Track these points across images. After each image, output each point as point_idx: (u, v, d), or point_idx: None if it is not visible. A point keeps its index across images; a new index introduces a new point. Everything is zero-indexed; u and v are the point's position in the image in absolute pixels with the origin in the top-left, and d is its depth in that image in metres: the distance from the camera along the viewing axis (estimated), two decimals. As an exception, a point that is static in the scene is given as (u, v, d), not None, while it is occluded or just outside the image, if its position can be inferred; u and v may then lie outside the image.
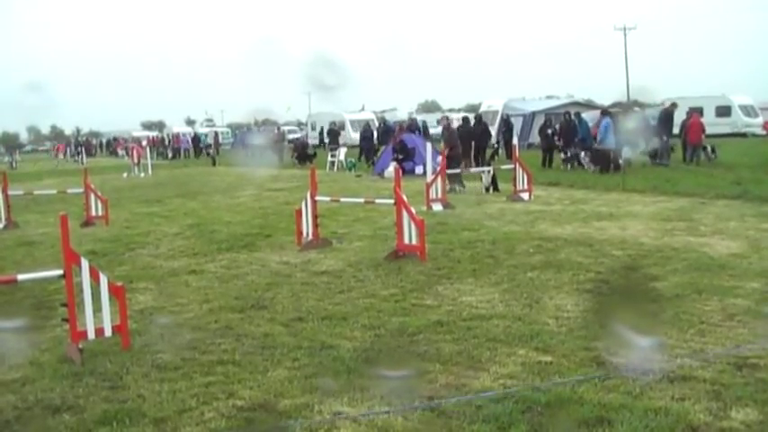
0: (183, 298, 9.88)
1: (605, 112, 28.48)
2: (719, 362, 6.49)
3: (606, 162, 25.55)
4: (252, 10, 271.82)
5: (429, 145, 23.57)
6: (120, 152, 68.29)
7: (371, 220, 15.88)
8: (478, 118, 31.97)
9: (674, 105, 29.49)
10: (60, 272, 7.53)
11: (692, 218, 14.67)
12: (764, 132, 50.16)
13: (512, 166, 20.14)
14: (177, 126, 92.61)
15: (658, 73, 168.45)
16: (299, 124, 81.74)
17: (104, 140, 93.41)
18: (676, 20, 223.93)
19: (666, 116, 28.61)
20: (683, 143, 28.78)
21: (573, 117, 30.11)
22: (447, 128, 23.09)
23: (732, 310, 8.07)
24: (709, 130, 32.12)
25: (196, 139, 66.11)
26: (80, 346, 7.40)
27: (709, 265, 10.28)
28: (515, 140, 24.48)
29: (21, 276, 8.14)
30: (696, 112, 31.13)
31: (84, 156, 64.04)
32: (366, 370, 6.75)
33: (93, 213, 18.39)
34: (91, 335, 7.49)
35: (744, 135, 47.84)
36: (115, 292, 7.64)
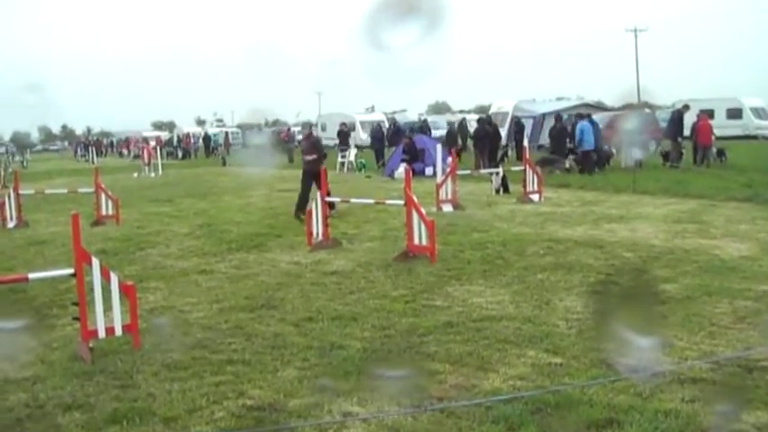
0: (193, 298, 9.90)
1: (581, 115, 29.40)
2: (730, 364, 6.49)
3: (588, 163, 26.58)
4: (261, 12, 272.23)
5: (439, 146, 23.55)
6: (130, 151, 68.52)
7: (381, 221, 15.89)
8: (488, 120, 32.03)
9: (685, 107, 29.43)
10: (71, 271, 7.56)
11: (702, 220, 14.64)
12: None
13: (522, 167, 20.12)
14: (188, 126, 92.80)
15: (669, 75, 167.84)
16: (309, 125, 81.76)
17: (115, 140, 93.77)
18: (687, 22, 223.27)
19: (677, 118, 28.56)
20: (694, 145, 28.70)
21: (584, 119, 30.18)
22: (308, 137, 19.23)
23: (742, 312, 8.06)
24: (720, 133, 32.01)
25: (207, 138, 66.45)
26: (90, 344, 7.44)
27: (720, 268, 10.26)
28: (525, 142, 24.39)
29: (32, 275, 8.18)
30: (706, 114, 31.04)
31: (94, 155, 64.22)
32: (376, 370, 6.76)
33: (104, 213, 18.43)
34: (101, 334, 7.52)
35: (755, 137, 47.64)
36: (126, 292, 7.67)
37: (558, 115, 31.21)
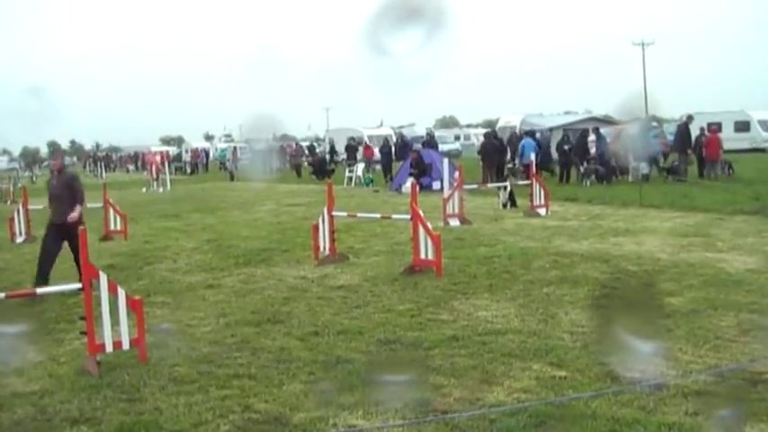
0: (200, 312, 9.94)
1: (528, 132, 32.68)
2: (734, 377, 6.50)
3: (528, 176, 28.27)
4: (270, 28, 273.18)
5: (446, 161, 23.60)
6: (137, 166, 69.19)
7: (388, 236, 15.92)
8: (494, 134, 32.15)
9: (689, 118, 29.43)
10: (79, 286, 7.62)
11: (709, 233, 14.63)
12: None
13: (529, 181, 20.15)
14: (196, 141, 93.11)
15: (677, 88, 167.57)
16: (317, 140, 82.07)
17: (122, 155, 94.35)
18: (695, 35, 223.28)
19: (684, 130, 28.54)
20: (699, 158, 28.64)
21: (592, 132, 30.53)
22: (59, 170, 12.73)
23: (747, 325, 8.07)
24: (727, 146, 31.94)
25: (206, 154, 68.91)
26: (98, 358, 7.49)
27: (726, 281, 10.26)
28: (532, 156, 24.49)
29: (40, 290, 8.27)
30: (714, 127, 31.02)
31: (102, 170, 64.58)
32: (381, 384, 6.79)
33: (112, 228, 18.54)
34: (109, 348, 7.56)
35: (763, 150, 47.53)
36: (133, 306, 7.72)
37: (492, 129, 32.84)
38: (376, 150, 42.43)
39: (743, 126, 50.22)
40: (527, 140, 30.27)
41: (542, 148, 30.70)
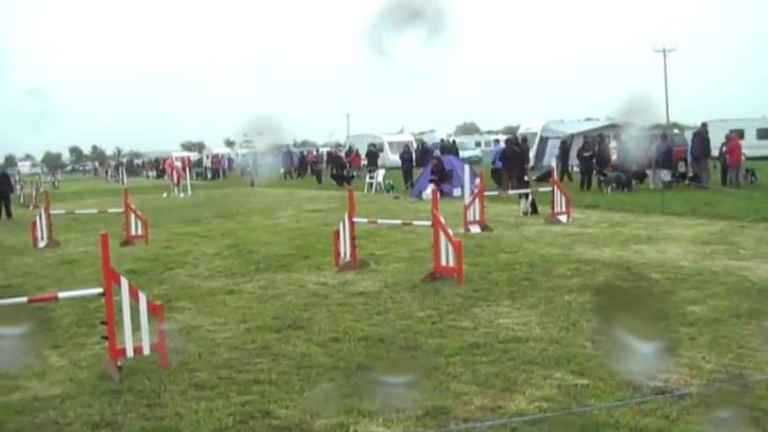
0: (220, 317, 9.95)
1: (496, 141, 37.39)
2: (758, 387, 6.43)
3: (500, 180, 29.66)
4: (292, 34, 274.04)
5: (467, 167, 23.55)
6: (158, 172, 69.61)
7: (409, 242, 15.89)
8: (515, 140, 32.05)
9: (703, 126, 29.34)
10: (100, 290, 7.64)
11: (731, 241, 14.51)
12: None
13: (550, 188, 20.06)
14: (217, 147, 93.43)
15: (699, 95, 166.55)
16: (338, 146, 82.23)
17: (143, 161, 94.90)
18: (716, 42, 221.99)
19: (705, 137, 28.39)
20: (723, 166, 28.48)
21: (613, 139, 30.55)
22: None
23: (772, 334, 7.98)
24: (750, 153, 31.77)
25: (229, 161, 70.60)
26: (119, 363, 7.50)
27: (749, 289, 10.17)
28: (553, 163, 24.41)
29: (62, 294, 8.29)
30: (735, 134, 30.84)
31: (124, 176, 64.96)
32: (402, 391, 6.76)
33: (133, 233, 18.61)
34: (129, 353, 7.58)
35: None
36: (154, 311, 7.73)
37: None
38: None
39: (765, 133, 49.83)
40: (497, 147, 33.89)
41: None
